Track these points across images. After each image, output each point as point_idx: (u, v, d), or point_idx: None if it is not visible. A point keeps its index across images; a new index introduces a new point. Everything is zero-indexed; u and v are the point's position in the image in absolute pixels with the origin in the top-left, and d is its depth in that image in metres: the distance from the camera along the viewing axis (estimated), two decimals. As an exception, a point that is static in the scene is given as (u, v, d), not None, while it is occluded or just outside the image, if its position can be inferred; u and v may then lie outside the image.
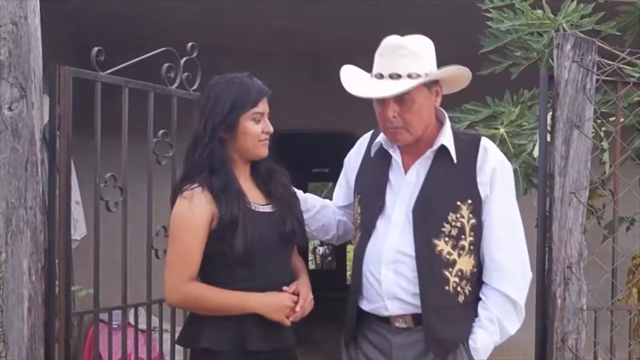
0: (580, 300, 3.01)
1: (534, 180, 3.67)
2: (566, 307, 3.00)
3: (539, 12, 3.88)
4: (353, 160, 3.21)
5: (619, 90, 3.20)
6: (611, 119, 3.53)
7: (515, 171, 3.69)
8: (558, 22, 3.82)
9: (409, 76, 2.83)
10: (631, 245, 3.60)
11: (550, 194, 3.09)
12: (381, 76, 2.87)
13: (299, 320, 2.97)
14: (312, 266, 17.56)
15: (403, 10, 5.49)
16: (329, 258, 17.83)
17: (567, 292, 3.00)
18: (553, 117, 3.08)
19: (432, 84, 2.90)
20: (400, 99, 2.84)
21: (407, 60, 2.85)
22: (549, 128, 3.16)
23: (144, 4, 6.09)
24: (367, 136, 3.19)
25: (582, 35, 3.21)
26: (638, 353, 3.57)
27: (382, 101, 2.88)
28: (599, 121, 3.60)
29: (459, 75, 2.95)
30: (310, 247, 17.12)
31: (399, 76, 2.83)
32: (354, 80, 2.98)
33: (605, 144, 3.60)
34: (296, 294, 2.96)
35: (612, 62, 3.17)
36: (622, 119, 3.34)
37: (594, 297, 3.12)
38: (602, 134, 3.60)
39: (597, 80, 3.07)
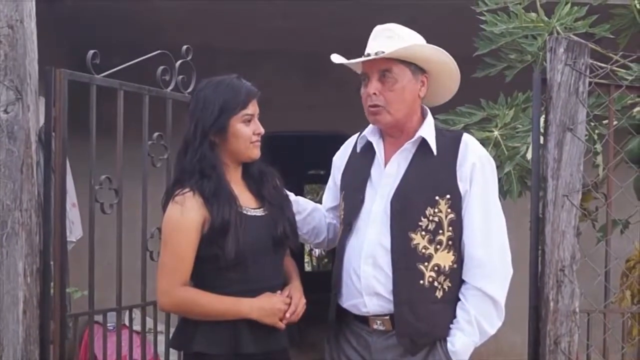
0: (572, 303, 3.01)
1: (528, 183, 3.68)
2: (559, 310, 3.01)
3: (533, 15, 3.89)
4: (339, 160, 3.25)
5: (611, 93, 3.21)
6: (605, 121, 3.54)
7: (509, 173, 3.72)
8: (552, 25, 3.83)
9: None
10: (627, 247, 3.61)
11: (543, 196, 3.10)
12: (368, 55, 2.93)
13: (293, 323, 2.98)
14: (308, 268, 17.57)
15: (398, 11, 5.49)
16: (325, 260, 17.85)
17: (559, 294, 3.01)
18: (546, 120, 3.09)
19: (417, 71, 2.96)
20: (383, 76, 2.92)
21: (393, 41, 2.91)
22: (542, 131, 3.18)
23: (139, 6, 6.10)
24: (353, 137, 3.23)
25: (576, 38, 3.23)
26: (631, 356, 3.58)
27: (367, 80, 2.96)
28: (592, 124, 3.62)
29: (441, 62, 2.98)
30: (307, 248, 17.12)
31: (383, 53, 2.90)
32: (342, 58, 3.05)
33: (598, 147, 3.61)
34: (289, 297, 2.98)
35: (605, 65, 3.18)
36: (615, 122, 3.35)
37: (586, 300, 3.12)
38: (595, 136, 3.61)
39: (590, 83, 3.08)
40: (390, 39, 2.92)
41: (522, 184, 3.78)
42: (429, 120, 3.01)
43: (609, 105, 3.22)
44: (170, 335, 3.16)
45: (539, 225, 3.12)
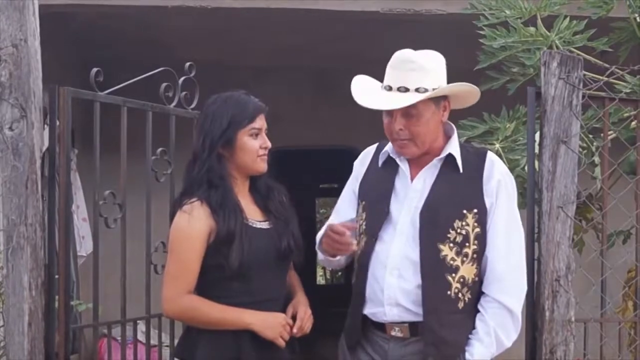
0: (568, 312, 3.05)
1: (529, 195, 3.71)
2: (554, 319, 3.04)
3: (532, 29, 3.92)
4: (357, 169, 3.23)
5: (606, 105, 3.24)
6: (602, 134, 3.57)
7: (510, 185, 3.75)
8: (550, 38, 3.86)
9: (417, 90, 2.88)
10: (630, 257, 3.63)
11: (538, 208, 3.13)
12: (390, 88, 2.93)
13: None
14: (322, 281, 17.54)
15: (403, 26, 5.56)
16: (339, 273, 17.82)
17: (555, 304, 3.04)
18: (541, 133, 3.12)
19: (440, 99, 2.95)
20: (408, 113, 2.89)
21: (416, 74, 2.90)
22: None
23: (150, 24, 6.18)
24: (372, 147, 3.23)
25: (576, 52, 3.26)
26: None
27: (390, 113, 2.93)
28: (590, 136, 3.64)
29: (466, 92, 3.01)
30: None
31: (406, 89, 2.88)
32: (363, 90, 3.03)
33: (596, 159, 3.63)
34: (294, 315, 3.02)
35: (600, 78, 3.21)
36: (613, 134, 3.39)
37: (582, 309, 3.15)
38: (593, 149, 3.64)
39: (584, 96, 3.12)
40: (413, 72, 2.91)
41: (523, 195, 3.79)
42: (455, 138, 3.03)
43: (603, 117, 3.25)
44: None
45: (534, 236, 3.15)
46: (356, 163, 3.26)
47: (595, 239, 3.83)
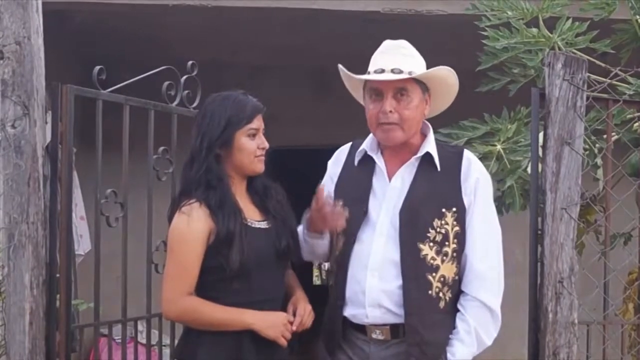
0: (571, 314, 3.04)
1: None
2: (557, 321, 3.03)
3: (534, 30, 3.92)
4: (332, 169, 3.21)
5: (610, 107, 3.24)
6: (605, 135, 3.57)
7: (511, 187, 3.75)
8: (553, 40, 3.86)
9: (410, 74, 2.91)
10: (631, 259, 3.64)
11: (541, 209, 3.13)
12: (382, 71, 2.93)
13: (293, 333, 3.00)
14: (317, 281, 17.52)
15: (403, 26, 5.53)
16: (335, 273, 17.75)
17: (558, 306, 3.03)
18: (545, 134, 3.12)
19: (424, 90, 2.98)
20: (400, 94, 2.92)
21: (408, 59, 2.95)
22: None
23: (148, 23, 6.16)
24: (346, 146, 3.22)
25: (579, 53, 3.25)
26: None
27: (380, 97, 2.94)
28: (593, 138, 3.64)
29: (448, 81, 3.01)
30: (316, 262, 16.99)
31: (400, 71, 2.90)
32: (352, 75, 3.05)
33: (599, 161, 3.63)
34: (294, 312, 3.01)
35: (603, 79, 3.21)
36: (616, 136, 3.38)
37: (585, 311, 3.15)
38: (596, 150, 3.64)
39: (588, 97, 3.11)
40: (405, 57, 2.95)
41: (524, 197, 3.80)
42: (432, 136, 3.04)
43: (607, 119, 3.25)
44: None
45: (538, 238, 3.14)
46: (330, 163, 3.25)
47: (594, 241, 3.84)
